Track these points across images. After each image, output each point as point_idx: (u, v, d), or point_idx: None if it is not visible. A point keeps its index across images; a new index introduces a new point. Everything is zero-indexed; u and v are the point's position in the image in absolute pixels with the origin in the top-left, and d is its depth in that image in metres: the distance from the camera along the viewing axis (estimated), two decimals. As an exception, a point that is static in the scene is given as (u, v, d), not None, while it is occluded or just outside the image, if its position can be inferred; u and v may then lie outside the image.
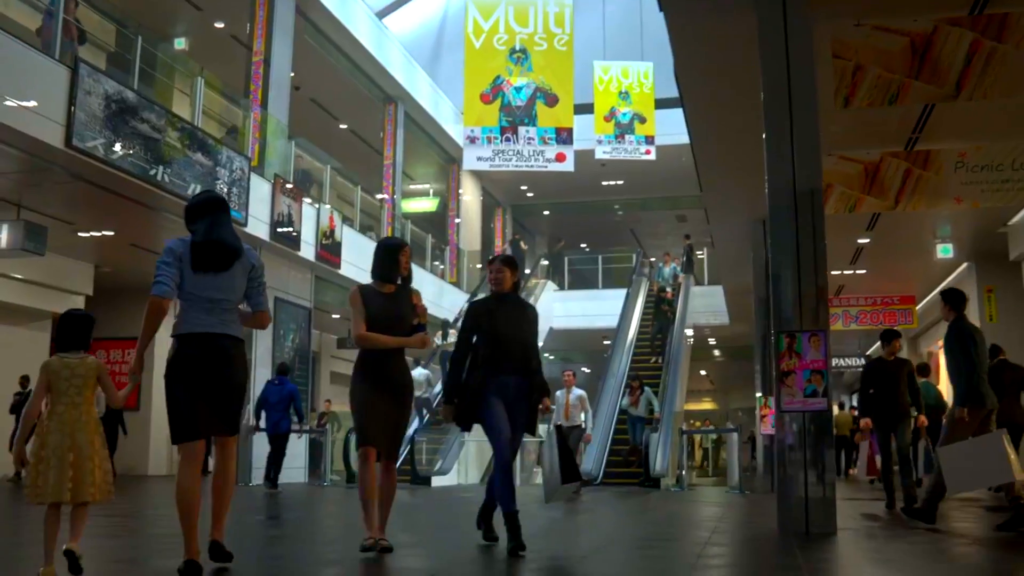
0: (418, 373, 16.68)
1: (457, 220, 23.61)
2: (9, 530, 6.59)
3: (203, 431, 3.99)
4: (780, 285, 6.33)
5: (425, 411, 16.69)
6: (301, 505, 9.86)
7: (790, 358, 6.13)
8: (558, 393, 11.49)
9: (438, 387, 17.44)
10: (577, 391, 11.58)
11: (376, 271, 4.95)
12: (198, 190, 12.01)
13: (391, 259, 4.90)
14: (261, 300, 4.24)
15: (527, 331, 5.08)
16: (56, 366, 3.88)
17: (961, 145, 9.29)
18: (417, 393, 16.46)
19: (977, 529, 6.75)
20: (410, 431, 16.60)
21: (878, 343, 8.56)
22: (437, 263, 22.31)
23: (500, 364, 4.93)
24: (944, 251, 13.62)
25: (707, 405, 38.67)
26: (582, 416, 11.65)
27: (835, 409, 23.62)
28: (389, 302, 4.83)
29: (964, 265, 14.94)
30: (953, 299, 6.62)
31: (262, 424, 12.05)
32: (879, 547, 5.54)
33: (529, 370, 5.01)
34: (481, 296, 5.73)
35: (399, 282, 4.93)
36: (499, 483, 4.88)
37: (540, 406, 5.04)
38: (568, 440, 10.85)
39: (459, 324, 19.15)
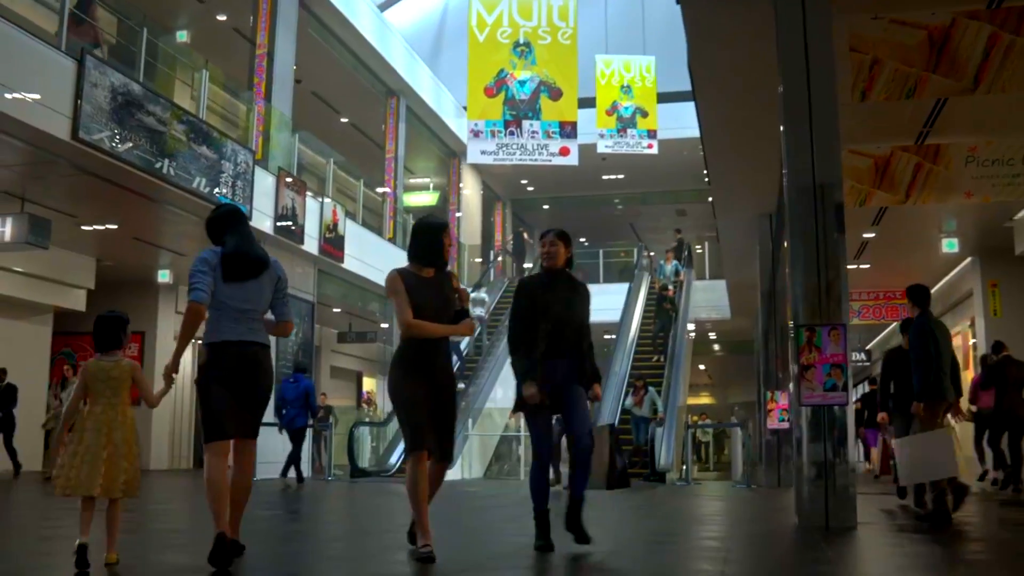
0: None
1: (458, 214, 23.57)
2: (40, 521, 6.55)
3: (232, 432, 4.21)
4: (799, 279, 6.31)
5: None
6: (314, 500, 9.82)
7: (810, 352, 6.11)
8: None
9: None
10: None
11: (417, 253, 4.50)
12: (203, 183, 11.96)
13: (435, 240, 4.48)
14: (286, 310, 4.46)
15: (580, 311, 4.75)
16: (93, 369, 4.07)
17: (971, 139, 9.27)
18: None
19: (1000, 523, 6.75)
20: None
21: (878, 338, 8.43)
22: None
23: (551, 345, 4.59)
24: (949, 246, 13.60)
25: (705, 399, 38.69)
26: None
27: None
28: (431, 287, 4.41)
29: (968, 259, 14.93)
30: (916, 296, 6.84)
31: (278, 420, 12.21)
32: (903, 542, 5.52)
33: (580, 353, 4.70)
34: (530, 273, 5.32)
35: (439, 266, 4.51)
36: (534, 478, 4.68)
37: (590, 393, 4.69)
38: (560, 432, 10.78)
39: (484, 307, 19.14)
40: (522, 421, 18.62)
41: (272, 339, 4.54)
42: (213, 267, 4.16)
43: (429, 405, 4.29)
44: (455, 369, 19.18)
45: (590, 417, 4.76)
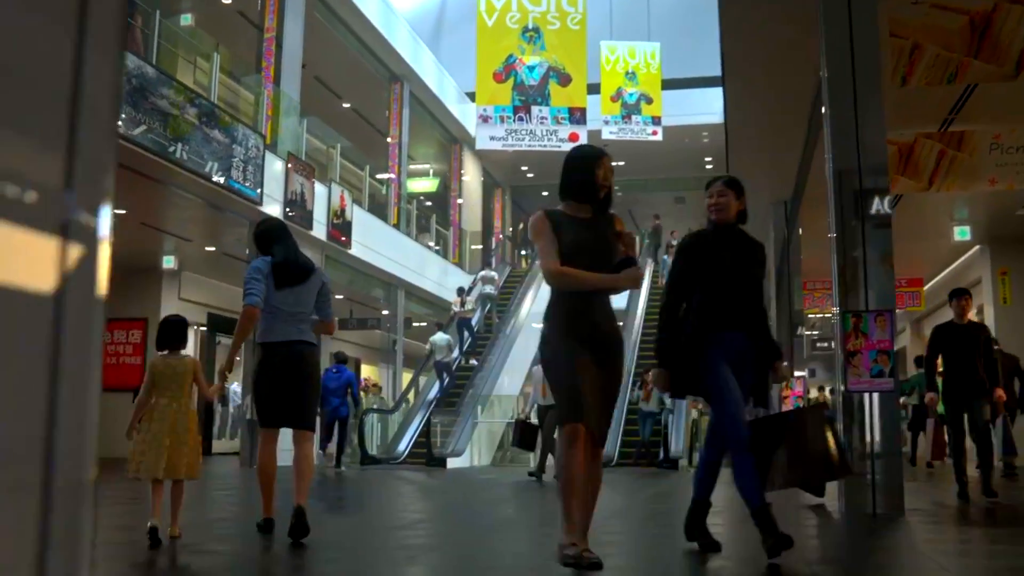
0: (439, 338, 16.61)
1: (459, 200, 23.46)
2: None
3: (281, 422, 4.74)
4: (844, 265, 6.28)
5: (446, 375, 16.63)
6: (346, 487, 9.75)
7: (856, 338, 6.09)
8: (534, 368, 11.15)
9: (456, 353, 17.29)
10: None
11: (567, 188, 3.67)
12: (215, 167, 11.82)
13: (585, 171, 3.62)
14: (329, 312, 4.92)
15: (757, 274, 3.99)
16: (160, 366, 4.53)
17: (996, 127, 9.27)
18: (438, 357, 16.37)
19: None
20: (431, 394, 16.50)
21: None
22: (438, 245, 22.20)
23: (723, 315, 3.87)
24: (961, 233, 13.63)
25: (699, 387, 38.74)
26: None
27: (816, 392, 23.58)
28: (587, 229, 3.56)
29: (977, 247, 14.96)
30: None
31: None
32: (953, 529, 5.52)
33: (759, 324, 3.95)
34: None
35: (597, 204, 3.67)
36: (739, 471, 3.77)
37: (772, 376, 3.99)
38: (546, 420, 10.55)
39: (488, 286, 18.92)
40: (524, 406, 18.48)
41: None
42: (265, 275, 4.62)
43: (592, 371, 3.44)
44: (466, 346, 19.06)
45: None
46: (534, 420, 11.06)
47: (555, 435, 11.83)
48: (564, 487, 3.38)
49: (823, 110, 6.65)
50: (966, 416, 7.02)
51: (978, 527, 5.54)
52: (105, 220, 0.64)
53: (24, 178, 0.57)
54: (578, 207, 3.63)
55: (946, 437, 12.40)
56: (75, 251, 0.61)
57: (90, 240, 0.62)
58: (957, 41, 6.88)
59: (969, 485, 6.83)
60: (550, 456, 10.72)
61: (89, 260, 0.63)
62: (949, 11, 6.90)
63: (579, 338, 3.46)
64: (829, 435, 3.99)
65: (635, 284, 3.53)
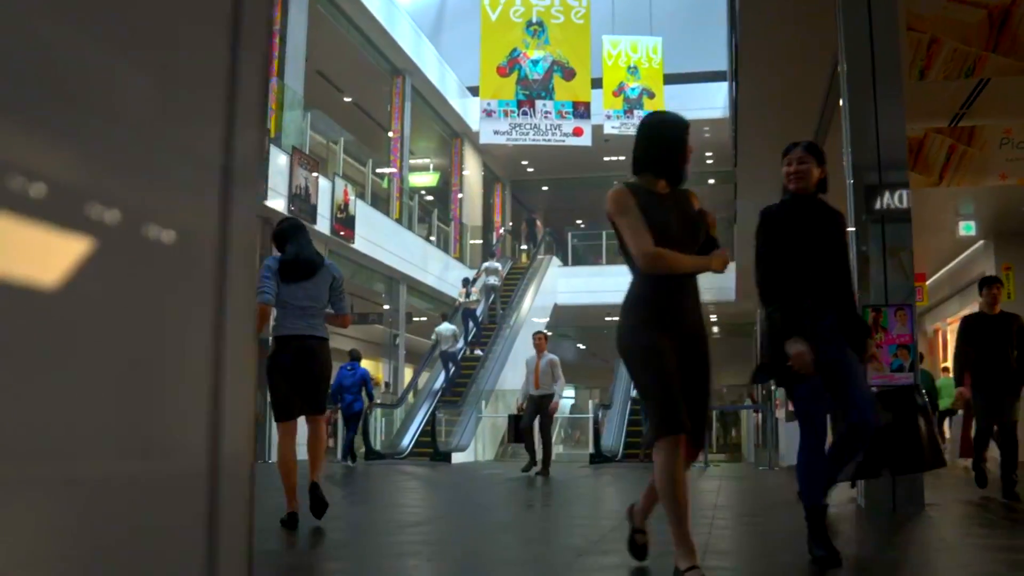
0: (445, 328, 16.62)
1: (460, 195, 23.41)
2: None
3: (296, 413, 4.91)
4: (865, 260, 6.26)
5: (451, 365, 16.63)
6: (358, 482, 9.72)
7: (876, 332, 6.06)
8: (527, 359, 11.05)
9: (461, 343, 17.27)
10: (549, 356, 10.53)
11: (647, 160, 3.22)
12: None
13: (675, 141, 3.22)
14: (343, 305, 5.13)
15: (842, 246, 3.65)
16: None
17: (1007, 121, 9.26)
18: (444, 347, 16.38)
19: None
20: (436, 384, 16.43)
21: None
22: (438, 239, 22.15)
23: (811, 293, 3.53)
24: (967, 228, 13.62)
25: (697, 382, 38.76)
26: (555, 386, 10.48)
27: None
28: (670, 206, 3.14)
29: (981, 243, 14.95)
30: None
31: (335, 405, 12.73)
32: (974, 525, 5.51)
33: (848, 301, 3.63)
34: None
35: (672, 178, 3.24)
36: (806, 466, 3.53)
37: (864, 356, 3.61)
38: (539, 410, 10.49)
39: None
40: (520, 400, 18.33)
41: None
42: (275, 272, 4.79)
43: (679, 368, 3.04)
44: (471, 337, 19.06)
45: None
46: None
47: (552, 429, 11.44)
48: (671, 505, 2.96)
49: (841, 103, 6.63)
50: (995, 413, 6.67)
51: (1001, 523, 5.52)
52: (251, 256, 0.76)
53: (186, 225, 0.70)
54: (654, 181, 3.19)
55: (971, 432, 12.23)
56: (231, 279, 0.73)
57: (243, 272, 0.75)
58: (975, 35, 6.86)
59: (987, 473, 6.86)
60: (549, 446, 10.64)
61: (243, 287, 0.76)
62: (967, 5, 6.88)
63: (664, 328, 3.04)
64: (921, 424, 3.84)
65: (723, 268, 3.15)
